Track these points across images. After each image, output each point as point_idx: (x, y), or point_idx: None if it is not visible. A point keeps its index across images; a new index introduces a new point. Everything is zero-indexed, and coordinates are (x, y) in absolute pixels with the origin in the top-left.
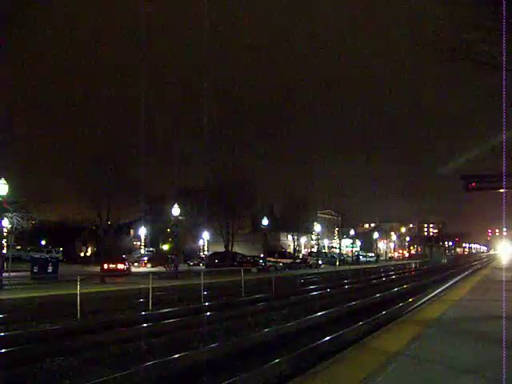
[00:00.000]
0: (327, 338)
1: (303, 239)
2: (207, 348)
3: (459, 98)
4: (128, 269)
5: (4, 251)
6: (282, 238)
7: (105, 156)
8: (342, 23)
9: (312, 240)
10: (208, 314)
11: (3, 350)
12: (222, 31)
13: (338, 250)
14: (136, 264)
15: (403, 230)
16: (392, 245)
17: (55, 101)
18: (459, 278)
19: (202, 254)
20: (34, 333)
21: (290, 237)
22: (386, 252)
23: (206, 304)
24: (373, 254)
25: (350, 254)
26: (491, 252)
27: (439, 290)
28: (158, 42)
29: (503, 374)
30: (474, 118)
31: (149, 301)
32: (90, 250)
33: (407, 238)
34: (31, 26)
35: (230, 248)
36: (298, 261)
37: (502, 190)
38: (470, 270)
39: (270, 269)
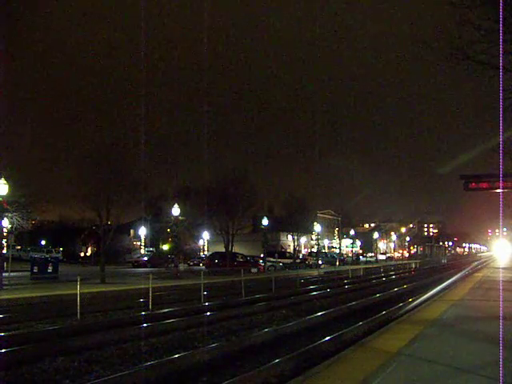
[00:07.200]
0: (327, 338)
1: (303, 239)
2: (207, 348)
3: (459, 98)
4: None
5: (4, 251)
6: (282, 238)
7: (105, 156)
8: (341, 24)
9: (312, 240)
10: (208, 313)
11: (3, 350)
12: (222, 31)
13: (338, 250)
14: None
15: (403, 230)
16: (392, 245)
17: (55, 101)
18: (459, 277)
19: (201, 253)
20: (34, 333)
21: (290, 237)
22: (386, 252)
23: (206, 304)
24: (372, 254)
25: (350, 254)
26: (491, 252)
27: (439, 289)
28: (159, 43)
29: (502, 374)
30: (474, 118)
31: (149, 301)
32: (89, 249)
33: (407, 238)
34: (30, 25)
35: (229, 248)
36: (298, 261)
37: (499, 190)
38: (470, 270)
39: (270, 269)
